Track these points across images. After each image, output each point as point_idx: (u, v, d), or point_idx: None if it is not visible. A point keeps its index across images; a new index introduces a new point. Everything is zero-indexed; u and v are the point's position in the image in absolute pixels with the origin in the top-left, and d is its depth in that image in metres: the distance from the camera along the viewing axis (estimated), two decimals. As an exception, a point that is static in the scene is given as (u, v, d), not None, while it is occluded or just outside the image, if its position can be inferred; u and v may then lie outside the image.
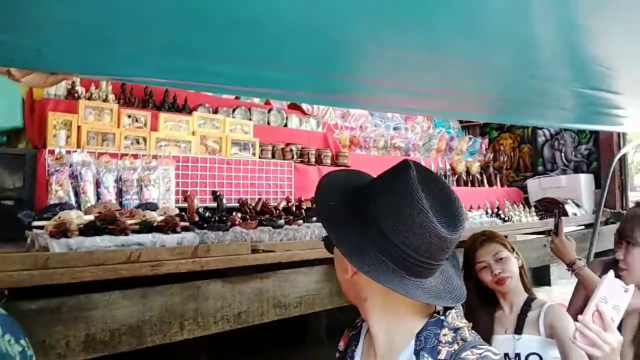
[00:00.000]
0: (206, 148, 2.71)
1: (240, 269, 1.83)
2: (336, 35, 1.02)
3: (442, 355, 0.71)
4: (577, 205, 4.53)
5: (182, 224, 1.77)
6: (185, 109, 2.98)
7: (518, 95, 1.85)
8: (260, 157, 2.85)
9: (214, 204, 2.33)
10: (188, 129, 2.71)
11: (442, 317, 0.77)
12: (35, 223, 1.60)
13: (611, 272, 1.15)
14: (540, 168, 5.40)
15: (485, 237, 1.69)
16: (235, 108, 3.21)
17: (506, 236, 1.76)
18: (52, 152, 2.10)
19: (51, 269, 1.35)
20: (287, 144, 3.09)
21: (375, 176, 0.86)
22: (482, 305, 1.67)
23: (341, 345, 0.94)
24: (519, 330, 1.55)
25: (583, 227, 4.27)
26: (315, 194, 0.83)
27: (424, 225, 0.72)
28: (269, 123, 3.38)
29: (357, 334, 0.91)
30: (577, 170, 5.05)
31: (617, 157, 3.91)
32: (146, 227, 1.69)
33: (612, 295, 1.06)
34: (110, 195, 2.15)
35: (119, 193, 2.22)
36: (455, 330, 0.74)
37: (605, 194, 3.86)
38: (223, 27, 0.90)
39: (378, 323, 0.81)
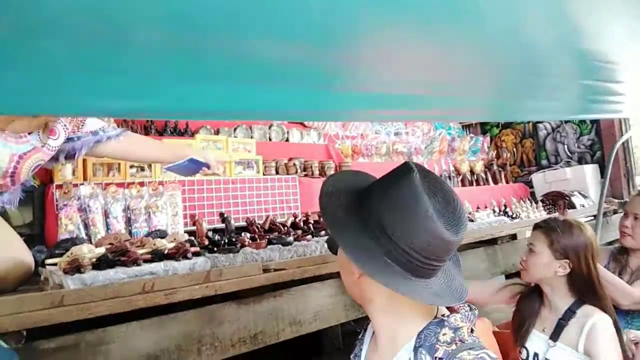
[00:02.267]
0: (212, 172, 2.72)
1: (253, 290, 1.84)
2: (329, 39, 1.01)
3: (439, 354, 0.73)
4: (584, 197, 4.52)
5: (193, 249, 1.78)
6: (187, 132, 3.01)
7: (517, 94, 1.86)
8: (264, 174, 2.87)
9: (222, 225, 2.35)
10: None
11: (444, 318, 0.78)
12: (48, 261, 1.62)
13: None
14: (544, 162, 5.40)
15: (542, 225, 1.59)
16: (237, 127, 3.23)
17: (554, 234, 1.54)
18: (59, 186, 2.13)
19: (68, 306, 1.37)
20: (290, 159, 3.11)
21: (377, 178, 0.87)
22: (532, 292, 1.61)
23: (363, 328, 0.98)
24: (555, 336, 1.45)
25: (592, 217, 4.25)
26: (320, 196, 0.84)
27: (429, 228, 0.74)
28: (270, 139, 3.40)
29: (365, 332, 0.94)
30: (581, 161, 5.05)
31: (618, 144, 3.90)
32: (157, 255, 1.71)
33: None
34: (119, 225, 2.17)
35: (128, 222, 2.24)
36: (455, 330, 0.75)
37: (607, 183, 3.85)
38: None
39: (382, 322, 0.83)
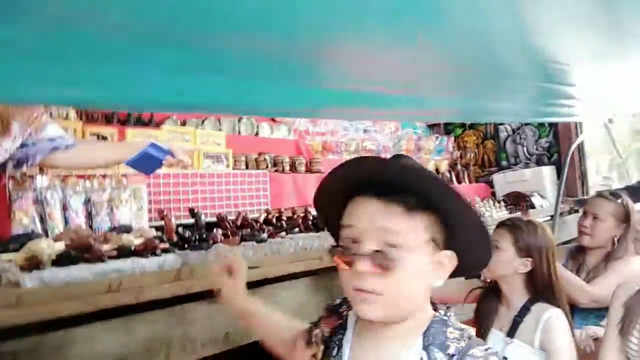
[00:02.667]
0: (177, 162, 2.61)
1: (226, 288, 1.76)
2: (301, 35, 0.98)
3: (451, 350, 0.74)
4: (542, 197, 4.70)
5: (162, 245, 1.69)
6: (151, 122, 2.87)
7: (478, 95, 1.88)
8: (234, 169, 2.78)
9: (191, 221, 2.25)
10: (157, 144, 2.60)
11: (444, 318, 0.80)
12: (1, 257, 1.48)
13: None
14: (504, 163, 5.57)
15: (508, 224, 1.62)
16: (205, 119, 3.12)
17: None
18: (12, 177, 1.96)
19: (25, 306, 1.25)
20: (260, 153, 3.03)
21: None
22: (489, 292, 1.62)
23: (326, 330, 0.90)
24: (512, 332, 1.48)
25: (549, 217, 4.42)
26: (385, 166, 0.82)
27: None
28: (239, 132, 3.31)
29: (344, 324, 0.89)
30: (539, 163, 5.24)
31: (572, 147, 4.06)
32: (124, 252, 1.60)
33: None
34: (79, 219, 2.04)
35: (89, 216, 2.10)
36: (460, 330, 0.79)
37: (563, 184, 4.00)
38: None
39: (400, 325, 0.79)
